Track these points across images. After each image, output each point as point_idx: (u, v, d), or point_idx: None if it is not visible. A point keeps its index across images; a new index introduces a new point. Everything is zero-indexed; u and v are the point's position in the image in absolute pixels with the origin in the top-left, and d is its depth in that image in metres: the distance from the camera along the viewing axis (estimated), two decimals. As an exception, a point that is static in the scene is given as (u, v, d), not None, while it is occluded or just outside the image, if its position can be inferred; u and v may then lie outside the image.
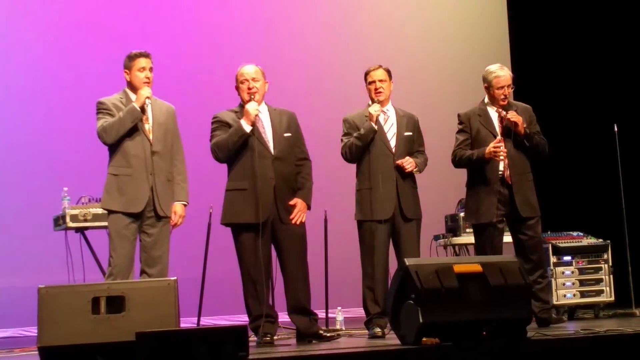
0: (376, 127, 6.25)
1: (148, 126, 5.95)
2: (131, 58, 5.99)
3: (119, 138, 5.87)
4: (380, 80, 6.36)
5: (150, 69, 6.00)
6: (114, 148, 5.92)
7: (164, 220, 5.93)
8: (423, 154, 6.45)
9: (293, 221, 6.01)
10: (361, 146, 6.27)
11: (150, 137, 5.94)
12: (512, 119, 6.41)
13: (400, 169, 6.26)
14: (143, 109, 5.89)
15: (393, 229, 6.27)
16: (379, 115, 6.27)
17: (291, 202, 6.03)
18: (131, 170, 5.88)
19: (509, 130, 6.45)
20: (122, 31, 8.89)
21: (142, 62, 5.97)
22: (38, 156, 8.60)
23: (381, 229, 6.23)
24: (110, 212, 5.90)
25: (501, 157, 6.39)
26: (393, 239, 6.29)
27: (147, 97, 5.90)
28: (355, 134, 6.29)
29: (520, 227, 6.51)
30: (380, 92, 6.34)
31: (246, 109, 5.97)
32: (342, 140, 6.41)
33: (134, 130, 5.89)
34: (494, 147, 6.37)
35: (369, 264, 6.24)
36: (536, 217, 6.54)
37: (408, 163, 6.26)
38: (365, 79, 6.41)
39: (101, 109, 5.95)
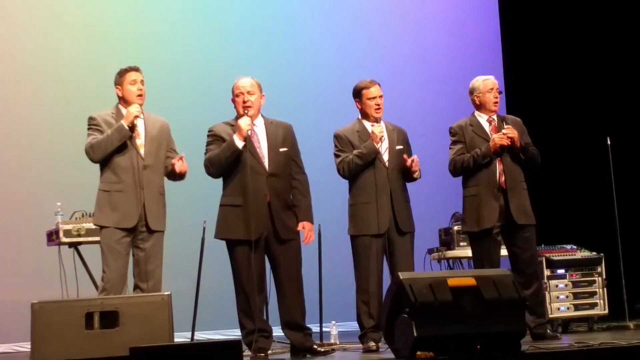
0: (379, 148, 6.25)
1: (140, 141, 5.92)
2: (121, 73, 5.98)
3: (107, 155, 5.85)
4: (380, 96, 6.34)
5: (142, 82, 5.99)
6: (104, 163, 5.90)
7: (156, 234, 5.92)
8: (415, 166, 6.45)
9: (305, 243, 6.04)
10: (361, 165, 6.24)
11: (142, 151, 5.91)
12: (509, 135, 6.38)
13: (394, 178, 6.25)
14: (132, 127, 5.87)
15: (387, 243, 6.24)
16: (382, 137, 6.26)
17: (298, 228, 6.02)
18: (121, 185, 5.85)
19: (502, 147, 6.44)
20: (116, 45, 8.88)
21: (132, 75, 5.96)
22: (31, 171, 8.56)
23: (375, 243, 6.21)
24: (102, 227, 5.89)
25: (508, 139, 6.35)
26: (387, 253, 6.26)
27: (136, 116, 5.87)
28: (355, 152, 6.24)
29: (516, 240, 6.46)
30: (380, 109, 6.34)
31: (238, 125, 5.93)
32: (336, 155, 6.36)
33: (124, 145, 5.86)
34: (499, 136, 6.36)
35: (363, 278, 6.22)
36: (532, 228, 6.49)
37: (416, 162, 6.26)
38: (361, 95, 6.35)
39: (91, 124, 5.94)
